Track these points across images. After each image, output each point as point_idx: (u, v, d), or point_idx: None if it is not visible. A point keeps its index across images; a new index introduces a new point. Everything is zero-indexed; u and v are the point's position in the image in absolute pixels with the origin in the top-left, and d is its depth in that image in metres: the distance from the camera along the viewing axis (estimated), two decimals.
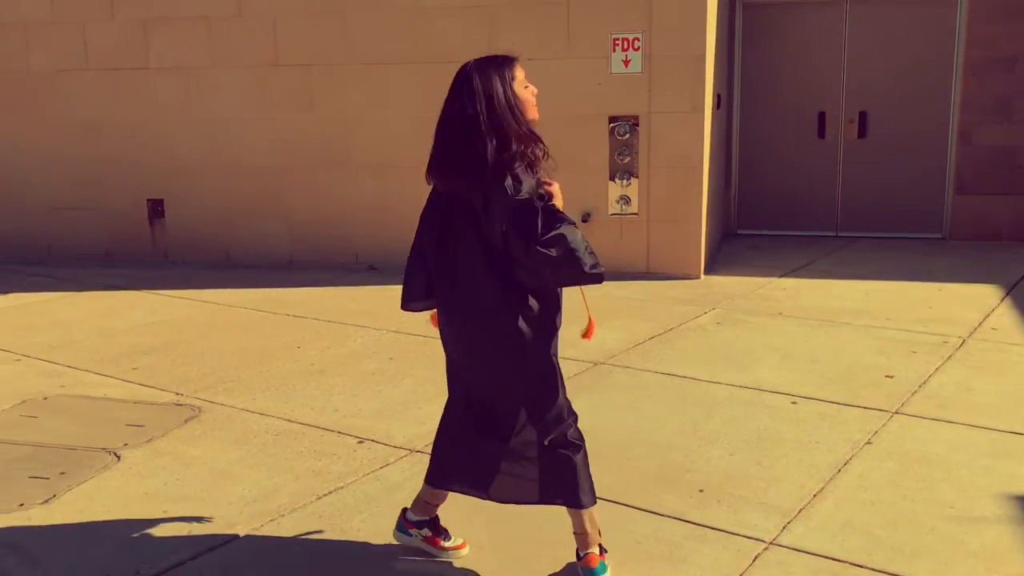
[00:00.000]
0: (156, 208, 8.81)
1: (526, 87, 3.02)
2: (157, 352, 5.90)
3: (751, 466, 3.99)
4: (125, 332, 6.42)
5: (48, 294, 7.69)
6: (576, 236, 2.84)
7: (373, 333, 6.21)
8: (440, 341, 3.26)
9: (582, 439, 3.14)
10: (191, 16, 8.35)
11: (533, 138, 2.93)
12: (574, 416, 3.15)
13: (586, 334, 3.21)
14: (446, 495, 3.32)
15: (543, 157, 2.93)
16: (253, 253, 8.62)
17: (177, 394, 5.07)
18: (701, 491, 3.76)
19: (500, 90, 2.92)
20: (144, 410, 4.81)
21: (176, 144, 8.63)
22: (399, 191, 8.09)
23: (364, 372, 5.39)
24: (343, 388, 5.11)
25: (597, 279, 2.88)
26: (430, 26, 7.84)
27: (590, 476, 3.12)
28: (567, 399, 3.12)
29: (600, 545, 3.14)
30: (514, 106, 2.92)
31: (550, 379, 3.07)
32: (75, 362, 5.69)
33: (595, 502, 3.12)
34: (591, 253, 2.85)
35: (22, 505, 3.73)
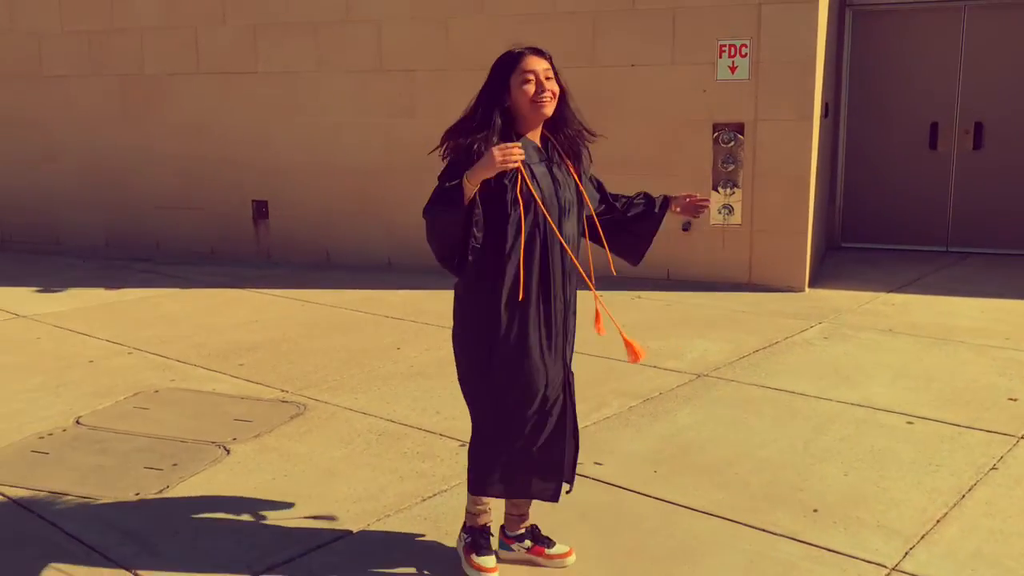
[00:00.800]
0: (260, 209, 9.02)
1: (527, 82, 3.00)
2: (262, 349, 6.01)
3: (868, 487, 3.83)
4: (231, 329, 6.56)
5: (157, 290, 7.93)
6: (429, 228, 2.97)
7: None
8: None
9: None
10: (299, 22, 8.53)
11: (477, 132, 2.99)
12: None
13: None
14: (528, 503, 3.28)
15: (478, 150, 2.91)
16: (353, 254, 8.75)
17: (282, 391, 5.16)
18: (815, 511, 3.62)
19: (485, 86, 3.10)
20: (251, 406, 4.90)
21: (281, 147, 8.82)
22: None
23: None
24: (443, 391, 5.10)
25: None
26: (533, 32, 7.82)
27: None
28: None
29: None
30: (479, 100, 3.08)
31: None
32: (184, 356, 5.85)
33: None
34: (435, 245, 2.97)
35: (138, 494, 3.82)
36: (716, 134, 7.41)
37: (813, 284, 7.62)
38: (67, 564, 3.28)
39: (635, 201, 3.44)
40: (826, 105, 8.09)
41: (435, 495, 3.80)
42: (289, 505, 3.71)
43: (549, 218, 2.99)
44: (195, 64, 8.98)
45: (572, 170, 3.11)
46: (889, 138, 9.15)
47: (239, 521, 3.60)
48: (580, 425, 4.51)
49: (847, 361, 5.56)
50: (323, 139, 8.65)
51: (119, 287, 8.01)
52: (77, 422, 4.68)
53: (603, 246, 3.28)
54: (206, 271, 8.64)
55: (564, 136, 3.12)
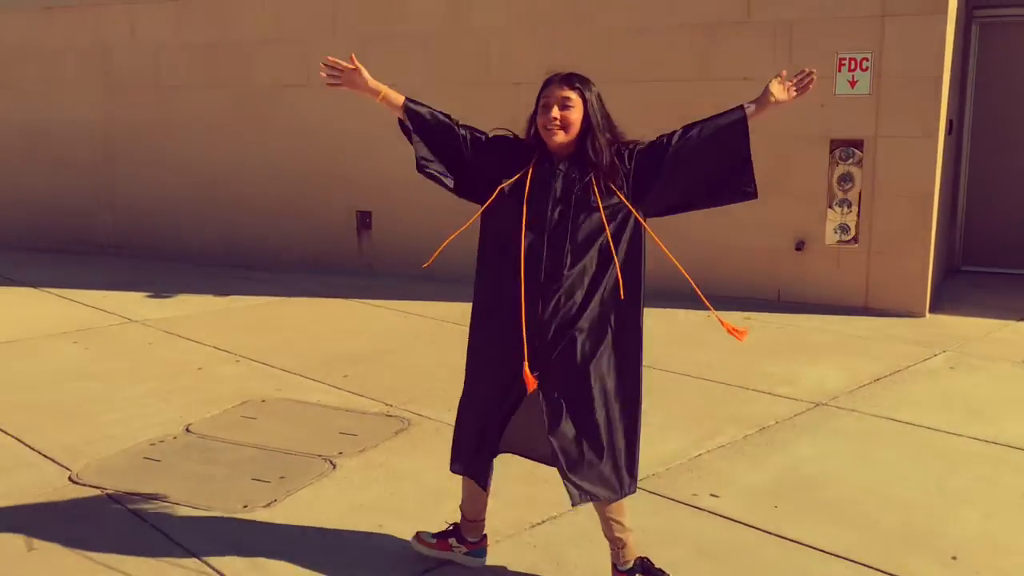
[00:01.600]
0: (364, 220, 9.09)
1: (543, 108, 3.11)
2: (366, 361, 6.00)
3: (1012, 534, 3.54)
4: (335, 339, 6.58)
5: (263, 298, 8.05)
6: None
7: None
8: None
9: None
10: (408, 33, 8.58)
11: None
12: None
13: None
14: None
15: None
16: (455, 268, 8.69)
17: (387, 404, 5.11)
18: (954, 558, 3.36)
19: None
20: (356, 419, 4.87)
21: (386, 158, 8.86)
22: None
23: None
24: None
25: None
26: (643, 45, 7.68)
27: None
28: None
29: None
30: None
31: None
32: (289, 366, 5.88)
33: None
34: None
35: (246, 507, 3.81)
36: (833, 151, 7.12)
37: (934, 309, 7.23)
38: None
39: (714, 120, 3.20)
40: (950, 122, 7.70)
41: (544, 521, 3.68)
42: (397, 525, 3.64)
43: (524, 235, 3.00)
44: (305, 76, 9.12)
45: (599, 202, 3.02)
46: (1016, 157, 8.66)
47: (347, 540, 3.54)
48: (694, 453, 4.35)
49: (977, 394, 5.22)
50: None
51: (227, 294, 8.15)
52: (187, 430, 4.72)
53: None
54: (311, 280, 8.74)
55: (600, 170, 3.04)
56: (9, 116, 10.80)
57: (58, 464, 4.29)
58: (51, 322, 7.14)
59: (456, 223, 9.44)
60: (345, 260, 9.22)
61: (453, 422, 4.75)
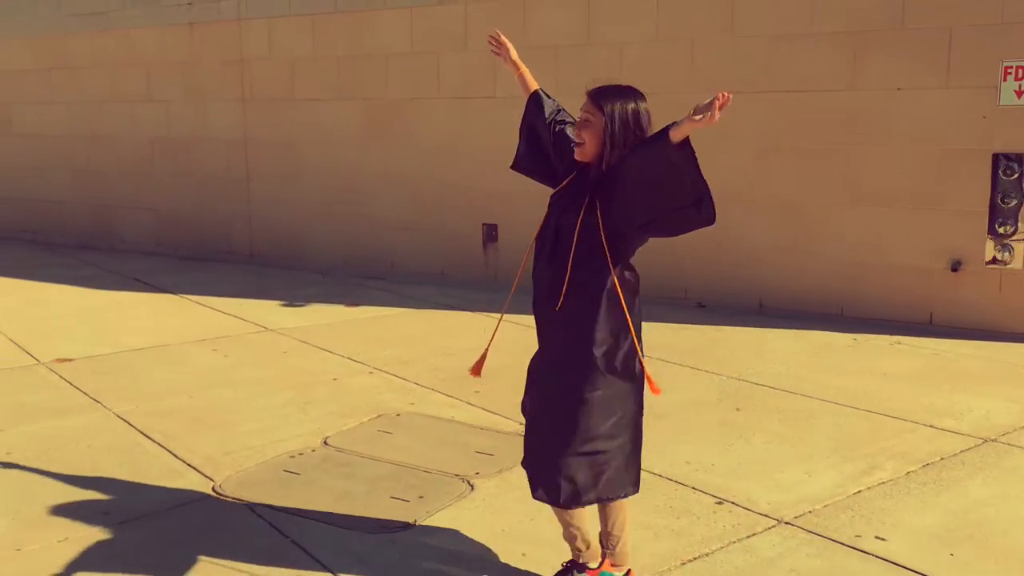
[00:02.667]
0: (491, 232, 9.04)
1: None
2: (495, 376, 5.88)
3: None
4: (465, 352, 6.50)
5: (392, 309, 8.08)
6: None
7: (712, 378, 5.82)
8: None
9: None
10: (540, 46, 8.48)
11: None
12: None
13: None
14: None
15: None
16: None
17: (521, 424, 4.97)
18: None
19: None
20: (491, 437, 4.77)
21: (513, 171, 8.79)
22: (736, 227, 7.67)
23: (710, 422, 5.02)
24: (689, 437, 4.77)
25: None
26: (785, 54, 7.37)
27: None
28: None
29: None
30: None
31: None
32: (421, 379, 5.84)
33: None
34: None
35: (384, 527, 3.74)
36: (996, 165, 6.63)
37: None
38: None
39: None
40: None
41: (695, 559, 3.48)
42: (540, 554, 3.50)
43: (534, 243, 3.19)
44: (436, 89, 9.16)
45: (580, 218, 3.05)
46: None
47: (493, 569, 3.42)
48: (852, 489, 4.06)
49: None
50: None
51: (357, 304, 8.23)
52: (325, 442, 4.71)
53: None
54: (437, 292, 8.74)
55: (595, 187, 3.05)
56: (155, 130, 11.25)
57: (201, 474, 4.33)
58: (191, 329, 7.34)
59: None
60: (472, 273, 9.20)
61: None
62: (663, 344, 6.65)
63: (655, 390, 3.05)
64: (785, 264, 7.53)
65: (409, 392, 5.59)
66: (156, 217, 11.43)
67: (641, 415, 3.14)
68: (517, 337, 7.00)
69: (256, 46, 10.31)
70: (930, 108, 6.80)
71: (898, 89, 6.92)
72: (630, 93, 3.18)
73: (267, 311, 8.00)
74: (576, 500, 3.08)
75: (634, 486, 3.17)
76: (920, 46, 6.84)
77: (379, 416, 5.12)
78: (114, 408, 5.33)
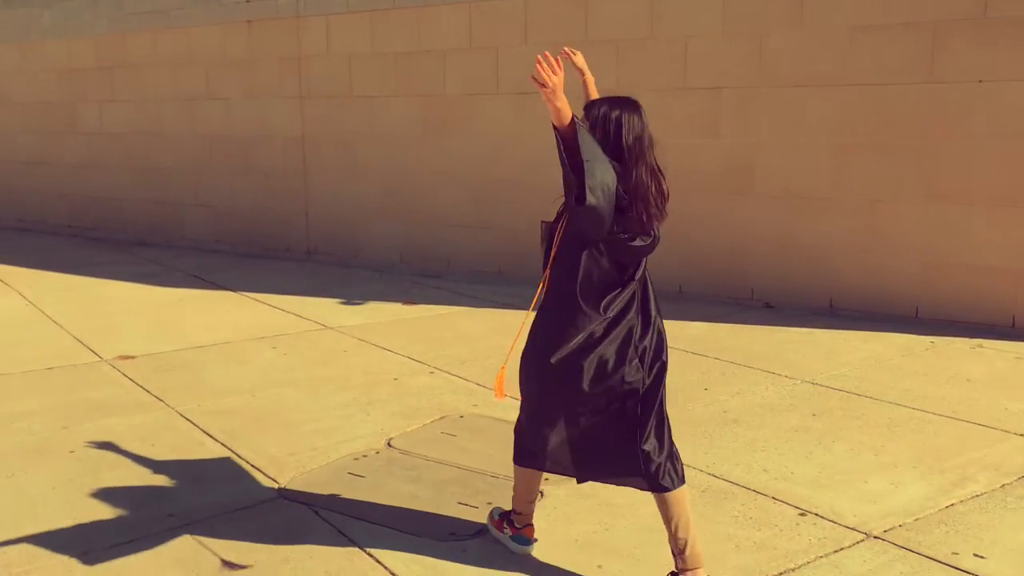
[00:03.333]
0: (549, 230, 8.88)
1: None
2: None
3: None
4: None
5: (451, 308, 7.98)
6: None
7: (784, 381, 5.62)
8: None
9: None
10: (601, 40, 8.32)
11: None
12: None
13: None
14: None
15: None
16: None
17: None
18: None
19: None
20: None
21: None
22: (805, 224, 7.44)
23: (786, 428, 4.82)
24: (766, 444, 4.58)
25: None
26: (861, 46, 7.10)
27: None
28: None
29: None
30: None
31: None
32: (483, 380, 5.72)
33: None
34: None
35: (453, 534, 3.63)
36: None
37: None
38: None
39: None
40: None
41: (781, 574, 3.30)
42: (617, 566, 3.36)
43: None
44: (495, 85, 9.04)
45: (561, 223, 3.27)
46: None
47: None
48: (944, 502, 3.84)
49: None
50: None
51: (415, 303, 8.15)
52: (388, 444, 4.62)
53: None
54: (495, 291, 8.63)
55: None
56: (213, 127, 11.32)
57: (265, 475, 4.27)
58: (251, 326, 7.32)
59: None
60: (529, 271, 9.05)
61: None
62: (730, 346, 6.45)
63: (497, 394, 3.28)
64: (858, 263, 7.27)
65: (471, 393, 5.47)
66: (215, 214, 11.50)
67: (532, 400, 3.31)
68: None
69: (314, 43, 10.30)
70: (1014, 101, 6.50)
71: (979, 81, 6.63)
72: (621, 102, 3.16)
73: (325, 309, 7.95)
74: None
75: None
76: (1004, 36, 6.54)
77: (442, 418, 5.02)
78: (177, 406, 5.30)
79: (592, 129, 3.06)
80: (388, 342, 6.71)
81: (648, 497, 3.92)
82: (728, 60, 7.72)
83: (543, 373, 3.16)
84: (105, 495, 4.05)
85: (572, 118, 2.93)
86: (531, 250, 9.19)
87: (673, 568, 3.17)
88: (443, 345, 6.63)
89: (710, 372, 5.84)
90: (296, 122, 10.57)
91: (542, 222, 3.37)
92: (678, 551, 3.12)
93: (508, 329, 7.14)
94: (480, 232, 9.37)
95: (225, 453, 4.56)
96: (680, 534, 3.11)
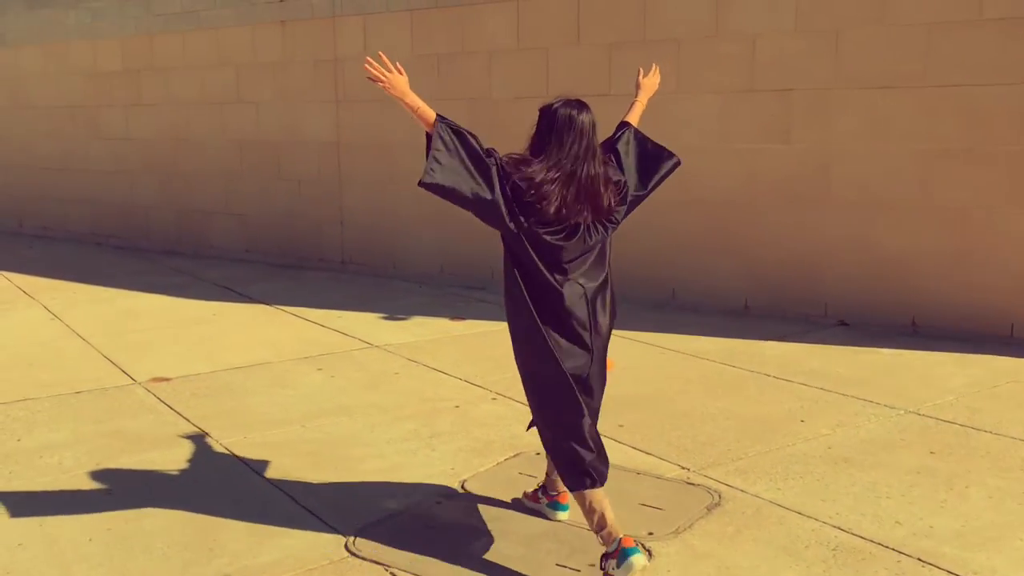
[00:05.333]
0: None
1: None
2: (638, 406, 5.26)
3: None
4: None
5: (501, 323, 7.42)
6: None
7: (886, 412, 5.09)
8: None
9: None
10: (660, 39, 7.82)
11: None
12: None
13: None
14: None
15: None
16: (701, 294, 7.87)
17: (683, 468, 4.33)
18: None
19: None
20: (655, 486, 4.12)
21: None
22: (886, 236, 6.90)
23: (904, 468, 4.29)
24: (888, 489, 4.05)
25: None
26: (949, 43, 6.57)
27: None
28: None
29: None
30: None
31: None
32: None
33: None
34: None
35: None
36: None
37: None
38: None
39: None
40: None
41: None
42: None
43: None
44: (544, 87, 8.53)
45: None
46: None
47: None
48: None
49: None
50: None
51: (462, 317, 7.66)
52: (463, 487, 4.12)
53: None
54: None
55: None
56: (244, 132, 10.88)
57: (327, 524, 3.77)
58: (291, 344, 6.85)
59: (704, 245, 8.46)
60: None
61: (770, 497, 3.93)
62: (815, 369, 5.92)
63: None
64: (945, 277, 6.72)
65: None
66: (244, 223, 11.05)
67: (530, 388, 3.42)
68: (649, 358, 6.35)
69: (351, 44, 9.84)
70: None
71: None
72: (570, 103, 3.46)
73: (368, 324, 7.47)
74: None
75: None
76: None
77: (517, 455, 4.52)
78: (221, 438, 4.82)
79: (539, 120, 3.43)
80: (440, 362, 6.22)
81: (771, 560, 3.38)
82: (800, 59, 7.20)
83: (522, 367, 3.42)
84: (150, 548, 3.57)
85: (436, 119, 3.25)
86: None
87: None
88: (500, 367, 6.12)
89: (801, 400, 5.32)
90: (331, 127, 10.10)
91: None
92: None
93: None
94: None
95: (280, 497, 4.08)
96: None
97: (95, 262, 11.06)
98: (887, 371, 5.86)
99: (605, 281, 3.38)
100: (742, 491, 4.04)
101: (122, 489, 4.17)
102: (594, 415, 3.34)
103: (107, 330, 7.38)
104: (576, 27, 8.29)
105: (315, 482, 4.22)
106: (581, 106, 3.34)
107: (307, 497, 4.05)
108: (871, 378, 5.71)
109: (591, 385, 3.30)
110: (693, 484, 4.13)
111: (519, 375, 3.45)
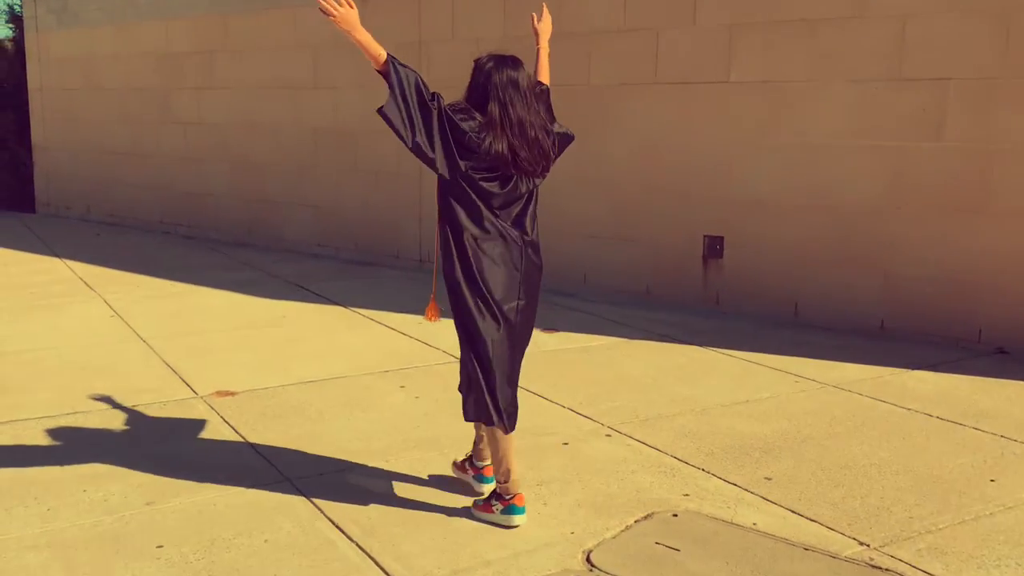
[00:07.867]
0: (714, 246, 7.49)
1: None
2: (783, 453, 4.39)
3: None
4: (721, 410, 5.02)
5: (599, 338, 6.66)
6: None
7: None
8: None
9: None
10: (791, 19, 6.89)
11: None
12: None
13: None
14: None
15: None
16: (829, 310, 6.94)
17: (861, 544, 3.46)
18: None
19: None
20: (833, 570, 3.25)
21: (748, 173, 7.23)
22: None
23: None
24: None
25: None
26: None
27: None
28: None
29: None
30: None
31: None
32: (681, 452, 4.38)
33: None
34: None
35: None
36: None
37: None
38: None
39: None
40: None
41: None
42: None
43: None
44: (652, 73, 7.67)
45: None
46: None
47: None
48: None
49: None
50: (804, 165, 6.94)
51: (554, 329, 6.85)
52: (588, 560, 3.32)
53: None
54: (648, 317, 7.27)
55: None
56: (319, 119, 10.23)
57: None
58: (369, 354, 6.14)
59: (835, 256, 7.36)
60: (685, 293, 7.69)
61: None
62: (986, 411, 4.97)
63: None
64: None
65: (673, 473, 4.14)
66: (318, 215, 10.41)
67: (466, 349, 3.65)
68: (777, 387, 5.47)
69: (437, 26, 9.10)
70: None
71: None
72: (500, 57, 3.59)
73: (450, 333, 6.68)
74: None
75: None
76: None
77: (648, 516, 3.69)
78: (293, 476, 4.10)
79: (473, 75, 3.51)
80: (537, 384, 5.42)
81: None
82: (959, 44, 6.21)
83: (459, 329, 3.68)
84: None
85: (388, 57, 3.29)
86: (687, 268, 7.85)
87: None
88: (609, 393, 5.30)
89: (982, 452, 4.39)
90: None
91: None
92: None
93: (683, 372, 5.78)
94: (624, 245, 8.03)
95: (364, 561, 3.32)
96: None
97: (162, 253, 10.53)
98: None
99: (532, 226, 3.74)
100: None
101: (175, 542, 3.46)
102: (517, 358, 3.67)
103: (169, 331, 6.76)
104: (692, 5, 7.40)
105: (405, 543, 3.46)
106: (516, 63, 3.57)
107: (396, 566, 3.29)
108: None
109: (518, 331, 3.65)
110: (880, 568, 3.26)
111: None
